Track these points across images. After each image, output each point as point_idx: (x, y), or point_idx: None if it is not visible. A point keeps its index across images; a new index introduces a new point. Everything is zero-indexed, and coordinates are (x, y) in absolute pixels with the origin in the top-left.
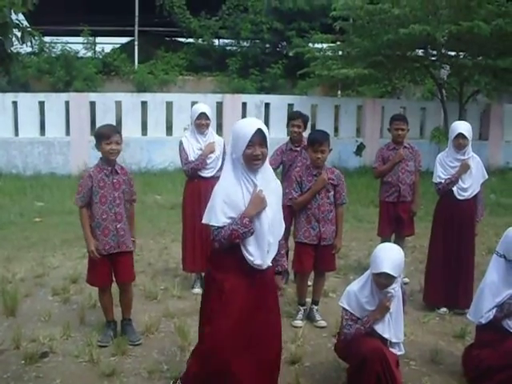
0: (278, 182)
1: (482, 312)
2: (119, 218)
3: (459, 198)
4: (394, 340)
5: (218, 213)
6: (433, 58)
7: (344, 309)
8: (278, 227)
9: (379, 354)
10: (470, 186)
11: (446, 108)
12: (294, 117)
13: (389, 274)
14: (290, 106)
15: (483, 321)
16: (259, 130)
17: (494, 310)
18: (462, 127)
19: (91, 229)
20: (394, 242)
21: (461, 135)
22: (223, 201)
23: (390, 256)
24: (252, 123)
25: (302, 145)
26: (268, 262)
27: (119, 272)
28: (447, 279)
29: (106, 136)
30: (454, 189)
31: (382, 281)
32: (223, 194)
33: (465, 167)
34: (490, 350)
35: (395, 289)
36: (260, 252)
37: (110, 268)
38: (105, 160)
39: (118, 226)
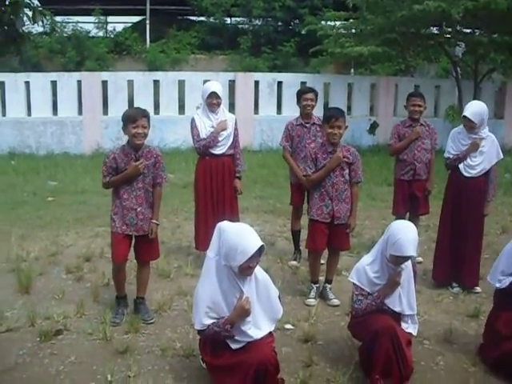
0: (265, 278)
1: (498, 275)
2: (140, 201)
3: (466, 175)
4: (407, 312)
5: (202, 317)
6: (447, 36)
7: (354, 284)
8: (264, 325)
9: (390, 331)
10: (478, 164)
11: (460, 86)
12: (306, 91)
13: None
14: (303, 84)
15: (498, 285)
16: (261, 247)
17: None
18: (469, 110)
19: (114, 206)
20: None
21: (466, 118)
22: (207, 306)
23: (411, 238)
24: (253, 239)
25: (311, 121)
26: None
27: (142, 250)
28: (453, 257)
29: (132, 119)
30: (461, 166)
31: (401, 261)
32: (207, 300)
33: (474, 146)
34: (508, 315)
35: (405, 262)
36: (241, 344)
37: (129, 246)
38: (131, 144)
39: (138, 210)
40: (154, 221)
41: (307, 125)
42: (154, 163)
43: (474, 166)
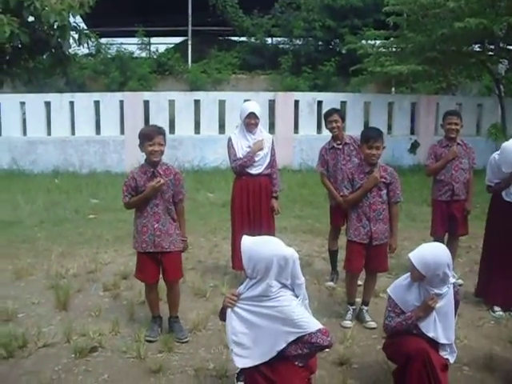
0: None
1: None
2: (157, 218)
3: (506, 199)
4: (441, 340)
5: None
6: (490, 53)
7: (389, 299)
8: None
9: (423, 354)
10: None
11: (503, 104)
12: (329, 113)
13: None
14: (343, 103)
15: None
16: None
17: None
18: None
19: (136, 225)
20: (447, 242)
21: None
22: None
23: (424, 251)
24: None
25: (343, 142)
26: None
27: (166, 270)
28: (504, 278)
29: (148, 137)
30: (503, 192)
31: (409, 268)
32: None
33: None
34: None
35: (443, 289)
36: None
37: (157, 265)
38: (148, 161)
39: (156, 226)
40: (184, 237)
41: (339, 146)
42: (174, 180)
43: None
